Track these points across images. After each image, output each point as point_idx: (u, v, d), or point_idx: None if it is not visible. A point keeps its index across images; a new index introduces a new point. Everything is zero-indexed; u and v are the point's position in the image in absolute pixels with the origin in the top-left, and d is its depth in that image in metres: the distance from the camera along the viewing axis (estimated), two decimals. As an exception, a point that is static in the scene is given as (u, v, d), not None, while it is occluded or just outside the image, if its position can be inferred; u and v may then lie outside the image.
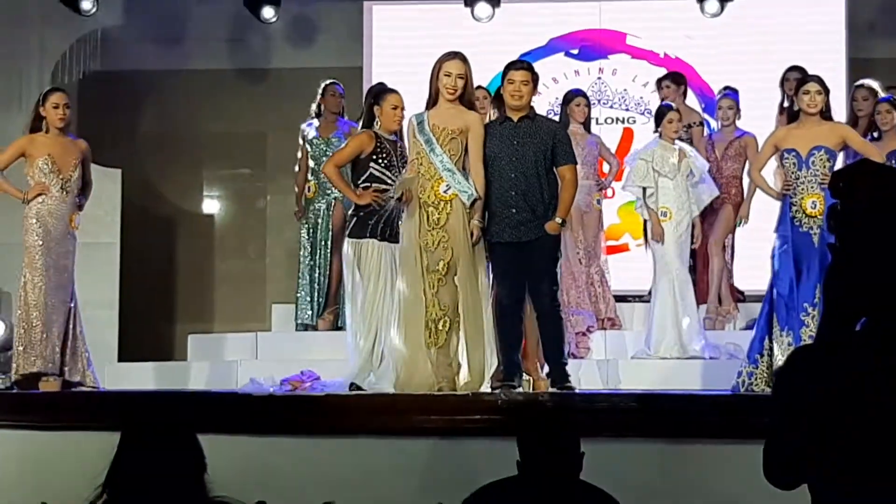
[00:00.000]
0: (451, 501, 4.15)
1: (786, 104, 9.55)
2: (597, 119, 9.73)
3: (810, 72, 8.05)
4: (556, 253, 7.45)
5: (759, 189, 8.09)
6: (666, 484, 6.12)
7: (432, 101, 7.35)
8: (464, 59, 7.34)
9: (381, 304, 7.52)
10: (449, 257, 7.16)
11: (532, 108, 7.47)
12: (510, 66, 7.48)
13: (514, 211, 7.26)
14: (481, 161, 7.26)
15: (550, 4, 11.61)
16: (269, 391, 7.40)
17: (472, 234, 7.18)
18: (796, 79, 9.47)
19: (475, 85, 9.69)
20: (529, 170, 7.28)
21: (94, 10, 10.81)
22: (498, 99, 7.73)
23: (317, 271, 9.57)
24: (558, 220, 7.26)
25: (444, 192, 7.20)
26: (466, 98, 7.35)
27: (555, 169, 7.35)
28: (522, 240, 7.27)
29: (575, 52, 11.59)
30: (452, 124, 7.25)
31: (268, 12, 11.23)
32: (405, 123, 7.59)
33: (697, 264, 9.49)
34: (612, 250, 10.04)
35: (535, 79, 7.43)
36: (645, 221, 8.95)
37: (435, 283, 7.18)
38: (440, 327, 7.17)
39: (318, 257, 9.59)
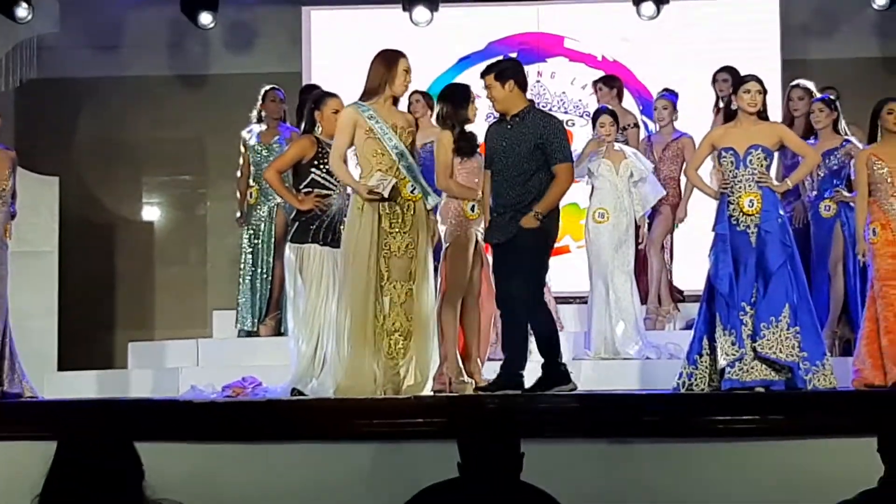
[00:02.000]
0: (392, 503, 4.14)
1: (720, 105, 9.67)
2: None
3: (745, 73, 8.10)
4: (535, 251, 7.22)
5: (696, 188, 8.13)
6: (607, 484, 6.14)
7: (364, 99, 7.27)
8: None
9: (323, 310, 7.50)
10: (413, 265, 7.13)
11: (528, 103, 7.35)
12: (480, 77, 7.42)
13: (501, 212, 7.24)
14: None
15: (488, 8, 11.65)
16: (210, 398, 7.35)
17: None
18: (724, 79, 9.64)
19: (413, 89, 9.77)
20: (514, 170, 7.18)
21: (29, 17, 10.71)
22: None
23: (258, 277, 9.53)
24: (533, 213, 7.09)
25: (412, 192, 7.18)
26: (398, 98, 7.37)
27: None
28: (501, 240, 7.22)
29: (514, 55, 11.60)
30: (401, 122, 7.26)
31: (205, 18, 11.19)
32: None
33: (637, 265, 9.53)
34: (553, 252, 10.04)
35: (501, 77, 7.24)
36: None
37: (403, 293, 7.12)
38: (403, 337, 7.12)
39: (259, 263, 9.55)
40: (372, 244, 7.08)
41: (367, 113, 7.16)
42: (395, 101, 7.32)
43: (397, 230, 7.12)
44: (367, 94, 7.24)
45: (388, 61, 7.25)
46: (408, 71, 7.24)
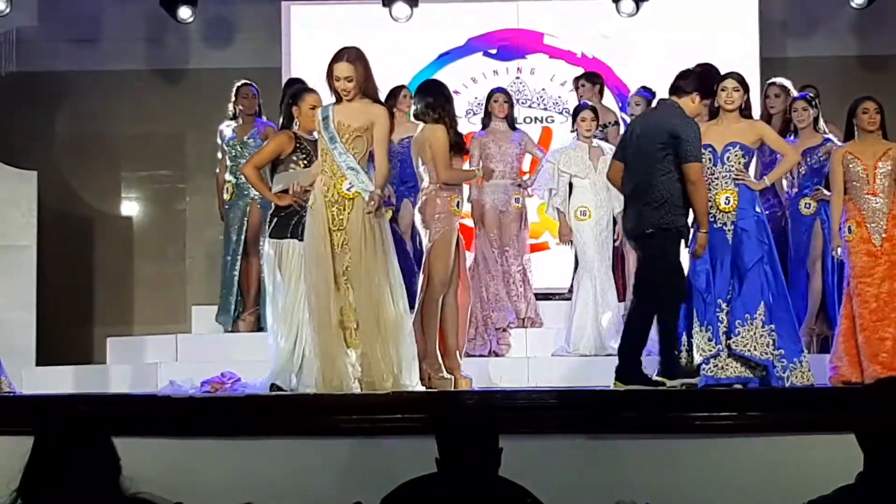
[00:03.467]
0: (371, 500, 4.13)
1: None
2: (516, 119, 9.73)
3: (724, 70, 8.12)
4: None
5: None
6: (585, 479, 6.15)
7: (336, 99, 7.23)
8: (352, 58, 7.13)
9: (302, 305, 7.47)
10: (348, 260, 7.11)
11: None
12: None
13: None
14: (386, 154, 7.17)
15: (468, 4, 11.63)
16: (188, 393, 7.34)
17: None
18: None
19: (399, 85, 9.77)
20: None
21: (7, 10, 10.66)
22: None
23: (237, 272, 9.51)
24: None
25: (347, 189, 7.14)
26: (370, 93, 7.20)
27: None
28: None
29: (493, 51, 11.63)
30: (357, 121, 7.12)
31: (184, 12, 11.14)
32: None
33: (615, 262, 9.55)
34: (533, 248, 10.07)
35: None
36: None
37: (345, 288, 7.12)
38: (356, 328, 7.12)
39: (238, 258, 9.53)
40: (325, 241, 7.08)
41: (323, 114, 7.18)
42: (371, 98, 7.22)
43: (336, 227, 7.11)
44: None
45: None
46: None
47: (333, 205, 7.11)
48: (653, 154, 7.22)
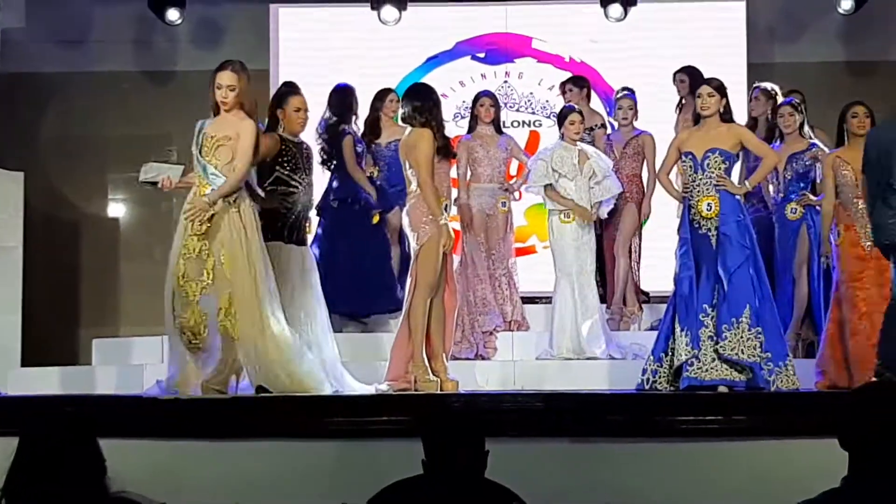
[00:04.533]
0: (357, 501, 4.13)
1: (684, 103, 9.75)
2: (503, 122, 9.73)
3: (709, 76, 8.15)
4: None
5: (664, 190, 8.11)
6: (570, 483, 6.15)
7: (215, 111, 7.27)
8: (236, 69, 7.22)
9: (287, 308, 7.48)
10: (210, 266, 7.12)
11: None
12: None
13: None
14: (245, 166, 7.15)
15: (456, 7, 11.65)
16: (174, 394, 7.31)
17: None
18: (682, 80, 9.75)
19: (385, 87, 9.79)
20: None
21: (-7, 11, 10.65)
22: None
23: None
24: None
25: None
26: (246, 107, 7.22)
27: None
28: None
29: (481, 55, 11.64)
30: (222, 132, 7.15)
31: (172, 14, 11.15)
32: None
33: (606, 265, 9.57)
34: (520, 252, 10.07)
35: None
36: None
37: (197, 292, 7.13)
38: (194, 334, 7.17)
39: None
40: (178, 245, 7.16)
41: (200, 127, 7.25)
42: (245, 112, 7.22)
43: (193, 233, 7.11)
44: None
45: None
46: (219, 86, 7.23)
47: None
48: None
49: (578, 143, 9.01)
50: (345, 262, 9.10)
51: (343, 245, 9.20)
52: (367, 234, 9.32)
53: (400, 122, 8.26)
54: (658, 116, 10.12)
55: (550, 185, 8.90)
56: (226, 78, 7.20)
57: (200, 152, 7.20)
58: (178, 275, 7.17)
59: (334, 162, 9.27)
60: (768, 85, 9.43)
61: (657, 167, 8.63)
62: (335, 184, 9.33)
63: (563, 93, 10.01)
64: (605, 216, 9.22)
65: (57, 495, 3.30)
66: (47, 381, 8.91)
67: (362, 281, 9.20)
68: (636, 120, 9.65)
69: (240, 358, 7.16)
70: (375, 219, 9.29)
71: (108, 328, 11.29)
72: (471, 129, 9.32)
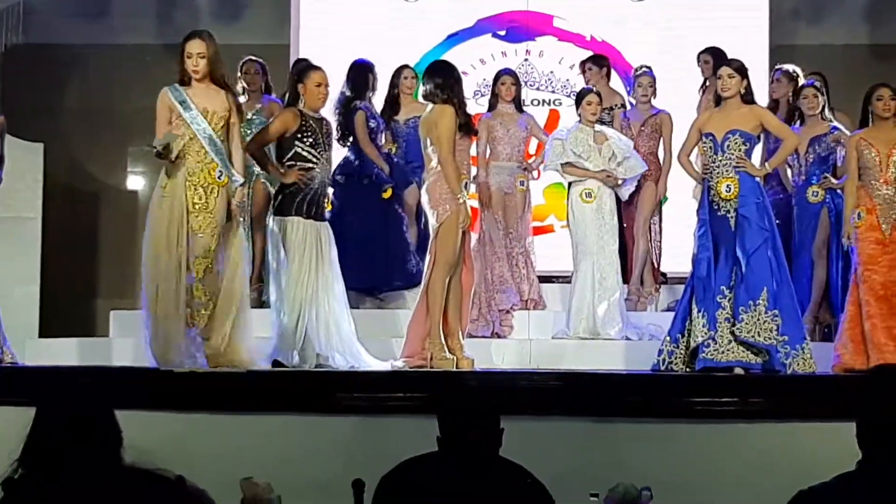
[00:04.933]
0: (371, 477, 4.14)
1: (707, 84, 9.72)
2: (523, 101, 9.71)
3: (731, 57, 8.14)
4: None
5: (685, 171, 8.09)
6: (585, 461, 6.18)
7: (185, 81, 7.33)
8: (204, 38, 7.33)
9: (305, 282, 7.51)
10: (206, 242, 7.24)
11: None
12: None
13: None
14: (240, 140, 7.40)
15: (478, -16, 11.62)
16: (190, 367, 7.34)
17: None
18: (706, 61, 9.72)
19: (401, 64, 9.78)
20: None
21: (15, -18, 10.66)
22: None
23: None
24: None
25: (219, 177, 7.25)
26: (217, 77, 7.33)
27: None
28: None
29: (502, 33, 11.60)
30: (220, 109, 7.29)
31: (194, -13, 11.13)
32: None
33: (625, 246, 9.56)
34: (537, 231, 10.06)
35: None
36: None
37: (202, 269, 7.24)
38: (203, 308, 7.31)
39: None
40: (181, 224, 7.20)
41: (178, 97, 7.26)
42: (217, 83, 7.31)
43: (198, 211, 7.20)
44: (181, 78, 7.36)
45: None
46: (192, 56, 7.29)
47: (197, 188, 7.21)
48: None
49: (596, 124, 9.00)
50: (355, 238, 9.05)
51: (353, 220, 9.18)
52: (379, 209, 9.31)
53: (421, 99, 8.26)
54: (678, 96, 10.08)
55: (568, 162, 8.89)
56: (196, 46, 7.29)
57: (205, 131, 7.23)
58: (187, 252, 7.25)
59: (350, 137, 9.28)
60: (790, 67, 9.41)
61: (675, 147, 8.62)
62: (349, 158, 9.33)
63: (583, 72, 9.98)
64: (626, 197, 9.19)
65: (74, 465, 3.32)
66: (64, 352, 8.93)
67: (373, 256, 9.20)
68: (655, 98, 9.62)
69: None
70: (387, 193, 9.27)
71: (126, 300, 11.28)
72: (491, 108, 9.31)
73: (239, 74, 9.57)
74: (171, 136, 7.21)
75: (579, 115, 9.00)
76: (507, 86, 9.22)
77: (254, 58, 9.66)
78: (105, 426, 3.41)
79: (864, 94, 7.99)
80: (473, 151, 9.05)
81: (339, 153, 9.09)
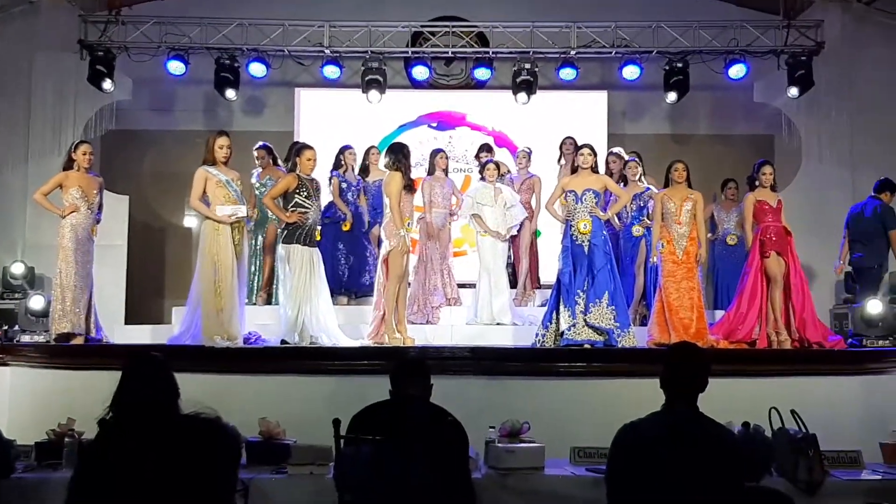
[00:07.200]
0: (346, 417, 4.12)
1: (562, 161, 9.81)
2: (447, 170, 9.71)
3: (582, 141, 8.20)
4: None
5: (550, 215, 8.13)
6: (485, 405, 6.16)
7: (213, 162, 7.48)
8: (228, 136, 7.63)
9: (303, 288, 7.45)
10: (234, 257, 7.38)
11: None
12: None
13: None
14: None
15: (418, 93, 11.63)
16: (225, 345, 7.25)
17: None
18: (571, 143, 9.75)
19: (369, 144, 9.74)
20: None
21: (112, 88, 10.55)
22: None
23: (254, 267, 9.44)
24: None
25: (240, 219, 7.47)
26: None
27: None
28: None
29: (434, 124, 11.62)
30: (234, 176, 7.55)
31: (230, 93, 11.04)
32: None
33: (515, 263, 9.61)
34: (457, 254, 10.07)
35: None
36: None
37: (230, 276, 7.31)
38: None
39: (256, 259, 9.46)
40: (227, 248, 7.31)
41: (213, 171, 7.43)
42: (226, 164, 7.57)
43: (234, 241, 7.36)
44: (209, 162, 7.53)
45: (209, 139, 7.59)
46: (221, 147, 7.53)
47: (235, 227, 7.38)
48: None
49: (496, 182, 9.03)
50: (332, 258, 9.11)
51: (330, 246, 9.19)
52: (347, 239, 9.33)
53: (382, 167, 8.24)
54: (545, 166, 10.13)
55: (476, 214, 8.92)
56: (226, 141, 7.53)
57: (235, 189, 7.46)
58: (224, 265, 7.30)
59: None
60: (618, 149, 9.51)
61: (543, 199, 8.67)
62: (329, 206, 9.34)
63: (479, 153, 10.00)
64: (515, 233, 9.24)
65: (147, 410, 3.28)
66: (141, 335, 8.81)
67: (343, 270, 9.22)
68: (530, 166, 9.70)
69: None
70: (346, 226, 9.33)
71: (183, 300, 11.12)
72: (430, 173, 9.28)
73: (255, 154, 9.53)
74: (236, 209, 7.36)
75: (483, 177, 9.03)
76: (441, 159, 9.22)
77: (262, 144, 9.61)
78: (168, 384, 3.38)
79: (666, 166, 8.09)
80: (417, 201, 9.05)
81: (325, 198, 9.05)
